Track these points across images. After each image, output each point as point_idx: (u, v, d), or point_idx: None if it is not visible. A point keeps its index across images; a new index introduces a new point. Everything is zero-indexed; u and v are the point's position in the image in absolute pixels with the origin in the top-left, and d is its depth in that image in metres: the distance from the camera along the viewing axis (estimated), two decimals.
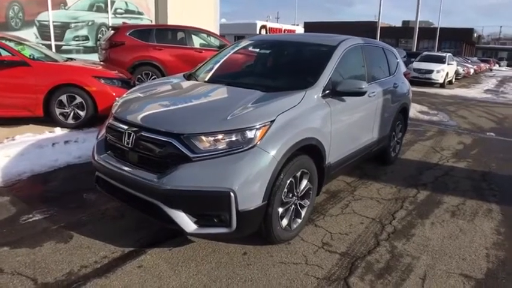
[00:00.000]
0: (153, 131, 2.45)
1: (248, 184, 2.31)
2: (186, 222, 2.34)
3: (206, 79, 3.48)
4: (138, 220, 3.09)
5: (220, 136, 2.36)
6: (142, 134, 2.48)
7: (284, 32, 37.71)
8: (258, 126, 2.41)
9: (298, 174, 2.75)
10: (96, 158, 2.81)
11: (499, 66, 51.10)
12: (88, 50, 9.82)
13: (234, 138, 2.37)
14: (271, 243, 2.79)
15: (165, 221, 2.39)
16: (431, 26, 55.39)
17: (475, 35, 59.89)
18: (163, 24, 8.72)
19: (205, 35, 8.88)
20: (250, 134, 2.38)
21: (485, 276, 2.63)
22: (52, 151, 4.36)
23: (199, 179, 2.29)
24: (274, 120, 2.51)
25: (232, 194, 2.26)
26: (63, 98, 5.11)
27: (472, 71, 25.52)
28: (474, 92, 16.58)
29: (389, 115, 4.43)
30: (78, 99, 5.16)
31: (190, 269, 2.49)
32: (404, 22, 77.25)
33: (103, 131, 3.02)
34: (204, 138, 2.35)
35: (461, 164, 5.28)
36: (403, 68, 5.16)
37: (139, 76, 7.66)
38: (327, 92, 3.08)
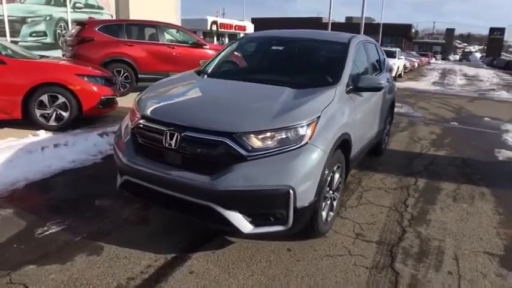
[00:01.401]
0: (200, 131, 2.36)
1: (304, 180, 2.32)
2: (243, 223, 2.30)
3: (226, 76, 3.40)
4: (165, 225, 2.97)
5: (272, 134, 2.34)
6: (187, 134, 2.37)
7: (235, 27, 37.51)
8: (308, 123, 2.43)
9: (335, 168, 2.80)
10: (125, 161, 2.63)
11: (435, 59, 55.38)
12: (46, 47, 9.06)
13: (285, 136, 2.36)
14: (311, 238, 2.82)
15: (220, 223, 2.33)
16: (373, 22, 58.36)
17: (413, 30, 64.19)
18: (134, 19, 8.32)
19: (175, 31, 8.61)
20: (301, 131, 2.39)
21: (505, 252, 2.88)
22: (43, 156, 4.01)
23: (256, 178, 2.25)
24: (319, 116, 2.53)
25: (291, 191, 2.25)
26: (44, 98, 4.70)
27: (416, 64, 27.36)
28: (423, 84, 17.80)
29: (385, 108, 4.64)
30: (61, 99, 4.78)
31: (243, 270, 2.45)
32: (347, 18, 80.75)
33: (125, 131, 2.83)
34: (256, 136, 2.32)
35: (442, 153, 5.68)
36: (388, 64, 5.42)
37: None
38: (350, 87, 3.16)
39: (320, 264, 2.57)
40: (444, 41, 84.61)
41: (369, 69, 4.05)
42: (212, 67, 3.66)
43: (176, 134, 2.39)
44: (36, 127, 4.73)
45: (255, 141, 2.31)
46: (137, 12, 10.34)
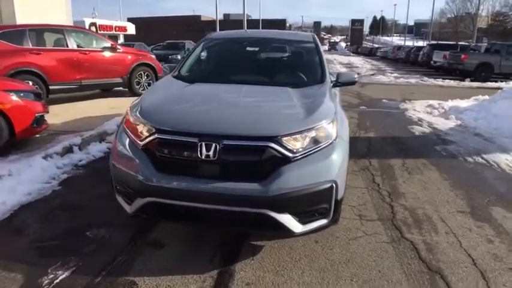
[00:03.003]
0: (241, 138, 2.33)
1: (341, 173, 2.49)
2: (294, 224, 2.36)
3: (216, 80, 3.32)
4: (183, 243, 2.82)
5: (305, 134, 2.43)
6: (227, 143, 2.31)
7: (115, 29, 35.15)
8: (331, 120, 2.59)
9: None
10: (145, 182, 2.38)
11: None
12: None
13: (317, 134, 2.48)
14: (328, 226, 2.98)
15: (273, 228, 2.35)
16: (250, 18, 61.17)
17: (288, 24, 69.45)
18: (38, 24, 7.17)
19: (85, 35, 7.79)
20: (329, 128, 2.54)
21: (470, 209, 3.52)
22: None
23: (303, 177, 2.33)
24: (336, 112, 2.71)
25: (334, 185, 2.40)
26: None
27: None
28: None
29: None
30: None
31: (292, 269, 2.52)
32: (225, 15, 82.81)
33: (128, 149, 2.56)
34: (294, 137, 2.39)
35: (372, 134, 6.45)
36: None
37: None
38: (334, 82, 3.43)
39: (351, 248, 2.78)
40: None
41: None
42: (191, 72, 3.53)
43: (214, 144, 2.29)
44: None
45: (294, 143, 2.38)
46: (25, 15, 8.99)
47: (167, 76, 3.54)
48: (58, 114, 6.31)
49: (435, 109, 8.52)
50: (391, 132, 6.54)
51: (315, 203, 2.41)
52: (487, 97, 8.98)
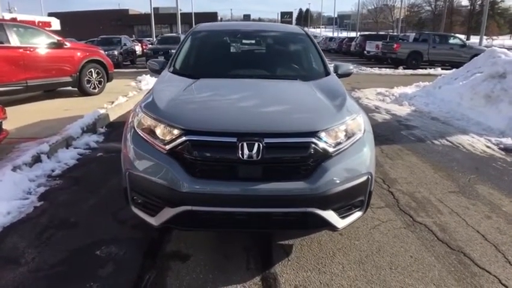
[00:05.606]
0: (283, 135, 2.24)
1: (373, 164, 2.52)
2: (336, 219, 2.34)
3: (221, 75, 3.15)
4: (208, 251, 2.66)
5: (341, 127, 2.42)
6: (269, 141, 2.20)
7: (38, 24, 32.45)
8: (358, 113, 2.61)
9: None
10: (180, 188, 2.19)
11: None
12: None
13: (349, 128, 2.47)
14: None
15: (319, 226, 2.32)
16: (181, 12, 59.67)
17: (219, 18, 69.08)
18: None
19: (27, 30, 6.92)
20: (359, 121, 2.55)
21: (459, 188, 3.81)
22: None
23: (344, 172, 2.31)
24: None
25: (369, 177, 2.42)
26: None
27: None
28: None
29: None
30: None
31: (332, 265, 2.51)
32: (154, 9, 79.81)
33: (149, 155, 2.33)
34: (332, 132, 2.36)
35: None
36: None
37: None
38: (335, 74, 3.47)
39: (375, 237, 2.85)
40: None
41: None
42: (190, 67, 3.34)
43: (257, 143, 2.17)
44: None
45: (332, 137, 2.35)
46: None
47: (165, 72, 3.26)
48: (8, 119, 5.56)
49: (386, 96, 9.06)
50: None
51: (354, 196, 2.41)
52: (427, 83, 9.76)
